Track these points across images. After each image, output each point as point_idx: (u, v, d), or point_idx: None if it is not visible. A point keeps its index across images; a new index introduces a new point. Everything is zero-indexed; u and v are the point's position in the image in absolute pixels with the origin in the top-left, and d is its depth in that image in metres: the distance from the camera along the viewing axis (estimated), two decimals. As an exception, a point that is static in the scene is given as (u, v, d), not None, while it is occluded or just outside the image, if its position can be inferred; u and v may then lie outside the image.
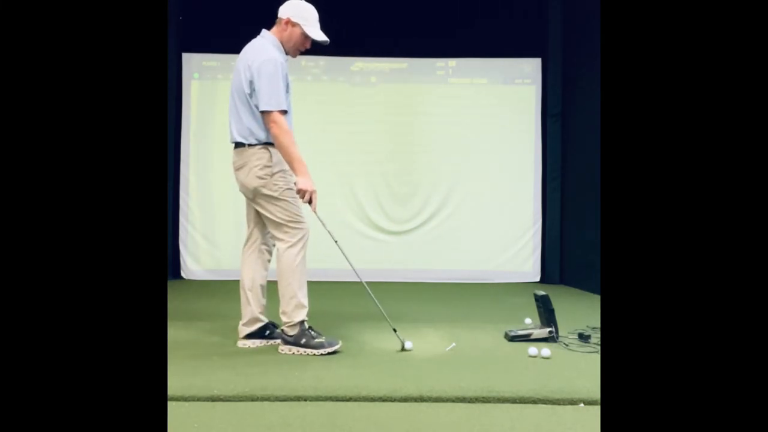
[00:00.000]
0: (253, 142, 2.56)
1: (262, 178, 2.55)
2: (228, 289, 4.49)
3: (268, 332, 2.71)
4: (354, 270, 2.74)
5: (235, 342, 2.71)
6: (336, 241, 2.72)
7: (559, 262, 5.33)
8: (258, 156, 2.56)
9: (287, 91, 2.58)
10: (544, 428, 1.77)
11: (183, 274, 5.23)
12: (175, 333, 2.87)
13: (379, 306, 2.73)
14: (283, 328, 2.60)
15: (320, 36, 2.65)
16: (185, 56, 5.31)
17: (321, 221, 2.68)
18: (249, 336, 2.68)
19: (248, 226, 2.75)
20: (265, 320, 2.71)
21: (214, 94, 5.32)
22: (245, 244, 2.75)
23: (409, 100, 5.42)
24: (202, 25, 5.27)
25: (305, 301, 2.59)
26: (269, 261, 2.77)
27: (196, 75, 5.34)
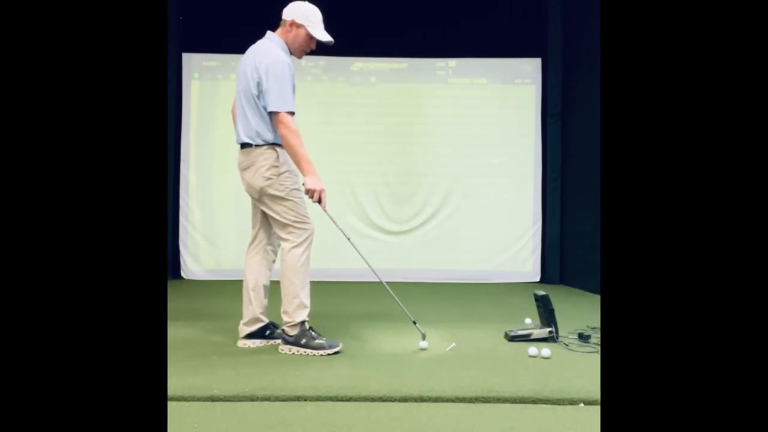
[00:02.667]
0: (260, 142, 2.57)
1: (269, 179, 2.56)
2: (228, 289, 4.49)
3: (268, 332, 2.71)
4: (371, 268, 2.75)
5: (235, 342, 2.71)
6: (349, 239, 2.75)
7: (559, 262, 5.33)
8: (265, 156, 2.57)
9: (293, 93, 2.60)
10: (544, 428, 1.77)
11: (183, 274, 5.24)
12: (175, 333, 2.87)
13: (398, 301, 2.74)
14: (283, 327, 2.60)
15: (325, 36, 2.66)
16: (185, 56, 5.31)
17: (332, 220, 2.70)
18: (249, 336, 2.68)
19: (253, 227, 2.75)
20: (266, 320, 2.71)
21: (214, 94, 5.32)
22: (250, 245, 2.75)
23: (409, 100, 5.42)
24: (202, 25, 5.28)
25: (307, 302, 2.59)
26: (273, 262, 2.78)
27: (196, 75, 5.34)
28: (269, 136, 2.57)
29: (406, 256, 5.34)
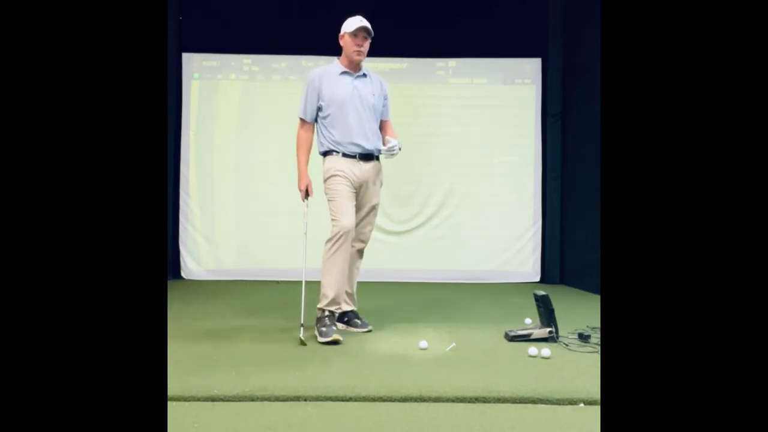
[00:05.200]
0: (322, 150, 3.04)
1: (324, 182, 3.01)
2: (228, 289, 4.49)
3: (346, 318, 3.05)
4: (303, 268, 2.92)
5: (235, 342, 2.72)
6: (305, 233, 2.98)
7: (559, 262, 5.33)
8: (325, 165, 3.01)
9: (333, 101, 2.96)
10: (544, 428, 1.77)
11: (183, 274, 5.23)
12: (175, 333, 2.87)
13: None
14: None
15: (353, 26, 2.94)
16: (185, 56, 5.29)
17: (304, 210, 3.01)
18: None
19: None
20: (348, 308, 3.03)
21: (214, 94, 5.31)
22: None
23: (409, 100, 5.41)
24: (202, 25, 5.27)
25: (329, 293, 2.87)
26: (359, 252, 3.11)
27: (196, 75, 5.34)
28: (321, 147, 3.04)
29: (406, 256, 5.33)
